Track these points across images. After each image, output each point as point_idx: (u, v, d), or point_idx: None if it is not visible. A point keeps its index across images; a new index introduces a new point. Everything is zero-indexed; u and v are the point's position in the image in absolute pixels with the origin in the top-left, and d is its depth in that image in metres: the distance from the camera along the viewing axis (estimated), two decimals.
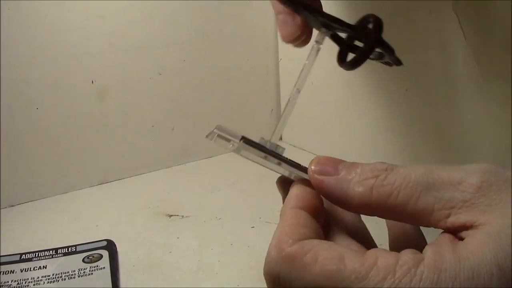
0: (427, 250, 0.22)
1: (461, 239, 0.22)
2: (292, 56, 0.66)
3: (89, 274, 0.41)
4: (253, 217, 0.51)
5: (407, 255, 0.22)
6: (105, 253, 0.44)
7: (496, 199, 0.22)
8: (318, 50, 0.31)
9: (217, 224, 0.51)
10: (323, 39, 0.31)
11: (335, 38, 0.33)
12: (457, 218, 0.22)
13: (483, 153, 0.44)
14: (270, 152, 0.28)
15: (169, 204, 0.55)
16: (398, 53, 0.30)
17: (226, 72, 0.66)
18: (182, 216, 0.52)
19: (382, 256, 0.22)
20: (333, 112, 0.62)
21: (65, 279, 0.41)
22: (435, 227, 0.23)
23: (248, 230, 0.49)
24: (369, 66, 0.56)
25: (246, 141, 0.28)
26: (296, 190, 0.27)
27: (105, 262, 0.43)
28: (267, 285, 0.24)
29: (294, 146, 0.67)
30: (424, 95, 0.48)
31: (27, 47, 0.52)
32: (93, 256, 0.44)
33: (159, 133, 0.63)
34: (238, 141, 0.28)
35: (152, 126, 0.63)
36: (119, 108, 0.60)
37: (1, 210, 0.54)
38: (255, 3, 0.65)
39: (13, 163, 0.54)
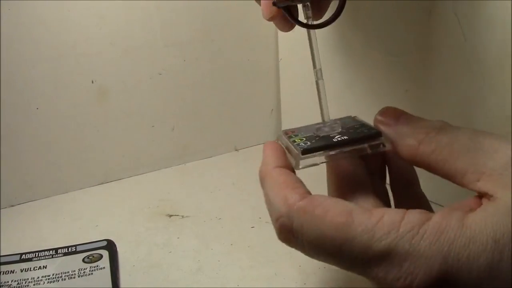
0: (438, 213, 0.23)
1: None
2: (292, 56, 0.66)
3: (89, 274, 0.41)
4: (253, 217, 0.51)
5: (414, 214, 0.23)
6: (105, 253, 0.44)
7: None
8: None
9: (217, 224, 0.51)
10: (308, 13, 0.32)
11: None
12: (483, 185, 0.23)
13: None
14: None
15: (169, 204, 0.55)
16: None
17: (226, 72, 0.66)
18: (182, 216, 0.52)
19: (388, 213, 0.23)
20: (333, 112, 0.62)
21: (65, 279, 0.41)
22: (466, 188, 0.25)
23: (248, 230, 0.49)
24: (370, 66, 0.56)
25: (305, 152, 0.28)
26: (270, 151, 0.29)
27: (105, 262, 0.43)
28: (279, 237, 0.26)
29: None
30: (424, 96, 0.48)
31: (27, 47, 0.52)
32: (93, 256, 0.44)
33: (159, 133, 0.63)
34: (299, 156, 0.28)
35: (152, 126, 0.63)
36: (119, 108, 0.60)
37: (1, 210, 0.55)
38: (255, 3, 0.65)
39: (13, 163, 0.54)
